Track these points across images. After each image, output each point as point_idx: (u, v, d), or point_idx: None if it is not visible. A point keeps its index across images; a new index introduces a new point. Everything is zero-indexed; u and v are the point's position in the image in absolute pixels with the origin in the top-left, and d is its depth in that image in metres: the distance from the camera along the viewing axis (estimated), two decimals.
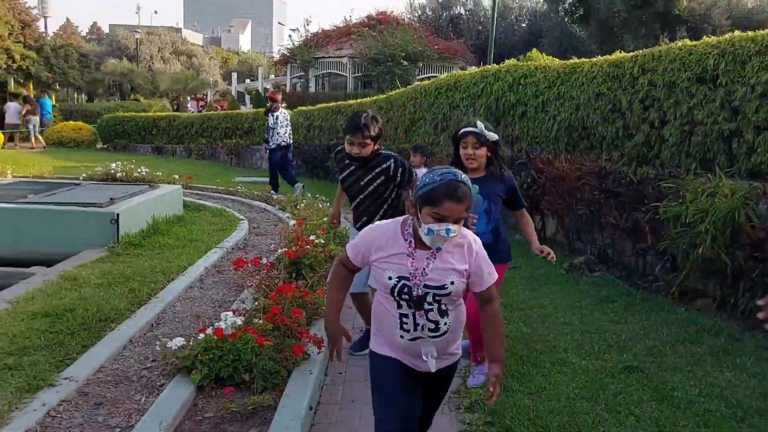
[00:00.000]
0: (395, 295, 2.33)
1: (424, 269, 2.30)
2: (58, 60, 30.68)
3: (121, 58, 41.78)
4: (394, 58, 23.37)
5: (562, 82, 7.33)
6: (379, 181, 4.01)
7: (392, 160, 4.01)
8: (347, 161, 4.08)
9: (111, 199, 7.25)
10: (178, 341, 3.71)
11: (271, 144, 11.33)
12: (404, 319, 2.35)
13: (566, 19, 28.90)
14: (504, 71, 8.53)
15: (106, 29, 65.87)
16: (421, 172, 6.86)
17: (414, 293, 2.31)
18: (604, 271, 6.28)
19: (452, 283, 2.31)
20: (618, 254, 6.49)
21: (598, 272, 6.26)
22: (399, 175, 4.01)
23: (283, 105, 12.26)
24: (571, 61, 7.58)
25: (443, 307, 2.34)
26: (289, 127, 11.43)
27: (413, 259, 2.31)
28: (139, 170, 10.05)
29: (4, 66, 27.28)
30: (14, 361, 3.61)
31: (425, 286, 2.30)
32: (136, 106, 30.11)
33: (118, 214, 6.69)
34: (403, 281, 2.30)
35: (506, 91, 8.34)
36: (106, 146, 22.40)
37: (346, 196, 4.36)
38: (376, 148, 3.98)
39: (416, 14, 34.71)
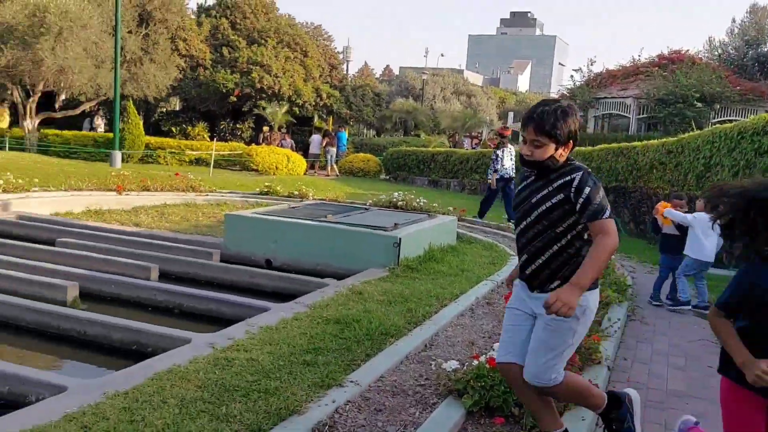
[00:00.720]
0: None
1: None
2: (356, 99, 34.35)
3: (407, 97, 45.35)
4: (686, 99, 21.63)
5: None
6: (554, 201, 2.77)
7: (581, 173, 2.76)
8: (525, 168, 2.95)
9: (395, 224, 7.84)
10: (452, 364, 3.83)
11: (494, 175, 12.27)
12: None
13: None
14: None
15: (396, 71, 72.18)
16: (702, 217, 6.20)
17: None
18: None
19: None
20: None
21: None
22: (578, 199, 2.71)
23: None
24: None
25: None
26: (513, 163, 12.12)
27: None
28: (417, 200, 10.73)
29: (313, 103, 31.40)
30: (311, 359, 4.08)
31: None
32: (417, 142, 32.35)
33: (400, 239, 7.21)
34: None
35: None
36: (387, 177, 24.35)
37: None
38: (563, 155, 2.80)
39: (716, 53, 31.78)
